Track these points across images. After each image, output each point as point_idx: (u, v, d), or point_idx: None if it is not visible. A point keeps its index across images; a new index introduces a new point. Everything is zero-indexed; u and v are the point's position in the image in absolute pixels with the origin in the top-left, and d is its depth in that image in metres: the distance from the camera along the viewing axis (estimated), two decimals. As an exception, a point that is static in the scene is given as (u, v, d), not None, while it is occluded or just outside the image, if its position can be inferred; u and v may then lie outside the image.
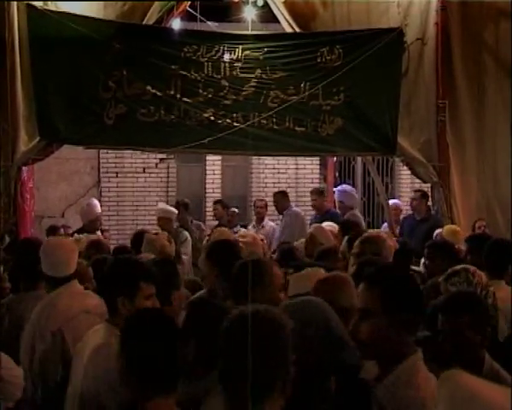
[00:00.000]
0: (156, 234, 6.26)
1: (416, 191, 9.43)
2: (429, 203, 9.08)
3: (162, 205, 9.40)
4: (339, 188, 9.83)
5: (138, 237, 6.41)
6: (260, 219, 9.97)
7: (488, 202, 8.48)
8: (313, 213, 9.81)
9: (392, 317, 2.55)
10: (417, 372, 2.53)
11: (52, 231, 8.69)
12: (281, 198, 9.71)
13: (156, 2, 8.28)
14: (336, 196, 9.69)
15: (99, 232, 8.41)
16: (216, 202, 10.55)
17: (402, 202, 11.14)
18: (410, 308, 2.59)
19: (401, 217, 9.78)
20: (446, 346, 3.20)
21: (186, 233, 8.48)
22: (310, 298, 3.10)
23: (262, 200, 10.41)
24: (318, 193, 9.76)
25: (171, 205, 9.47)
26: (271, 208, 10.25)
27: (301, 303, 2.84)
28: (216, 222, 10.15)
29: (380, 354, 2.58)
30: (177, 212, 8.88)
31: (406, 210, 10.38)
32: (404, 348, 2.57)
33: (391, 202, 10.16)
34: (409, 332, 2.61)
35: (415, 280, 2.81)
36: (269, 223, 10.01)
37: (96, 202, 9.19)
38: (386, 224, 9.50)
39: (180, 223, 9.04)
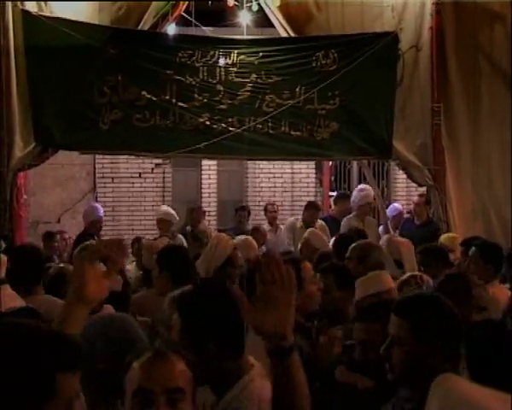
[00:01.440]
0: (155, 239, 6.27)
1: (420, 196, 9.33)
2: (426, 207, 9.06)
3: (165, 207, 9.36)
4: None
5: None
6: (273, 224, 9.73)
7: (483, 205, 8.48)
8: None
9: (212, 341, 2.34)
10: (250, 394, 2.30)
11: (48, 236, 8.66)
12: (315, 211, 9.19)
13: (152, 7, 8.27)
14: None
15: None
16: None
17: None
18: (220, 332, 2.36)
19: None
20: (358, 356, 3.11)
21: (181, 237, 8.46)
22: (118, 314, 3.05)
23: (273, 204, 10.32)
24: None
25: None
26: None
27: (108, 318, 2.66)
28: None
29: (207, 381, 2.31)
30: (177, 218, 8.86)
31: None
32: (231, 371, 2.35)
33: (393, 206, 10.12)
34: (234, 353, 2.38)
35: (226, 298, 2.49)
36: (281, 226, 9.76)
37: (97, 204, 9.19)
38: (381, 227, 9.48)
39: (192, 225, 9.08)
